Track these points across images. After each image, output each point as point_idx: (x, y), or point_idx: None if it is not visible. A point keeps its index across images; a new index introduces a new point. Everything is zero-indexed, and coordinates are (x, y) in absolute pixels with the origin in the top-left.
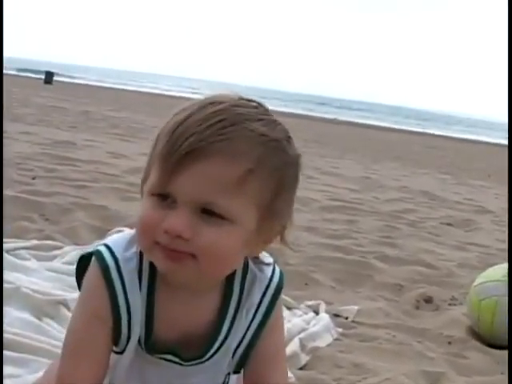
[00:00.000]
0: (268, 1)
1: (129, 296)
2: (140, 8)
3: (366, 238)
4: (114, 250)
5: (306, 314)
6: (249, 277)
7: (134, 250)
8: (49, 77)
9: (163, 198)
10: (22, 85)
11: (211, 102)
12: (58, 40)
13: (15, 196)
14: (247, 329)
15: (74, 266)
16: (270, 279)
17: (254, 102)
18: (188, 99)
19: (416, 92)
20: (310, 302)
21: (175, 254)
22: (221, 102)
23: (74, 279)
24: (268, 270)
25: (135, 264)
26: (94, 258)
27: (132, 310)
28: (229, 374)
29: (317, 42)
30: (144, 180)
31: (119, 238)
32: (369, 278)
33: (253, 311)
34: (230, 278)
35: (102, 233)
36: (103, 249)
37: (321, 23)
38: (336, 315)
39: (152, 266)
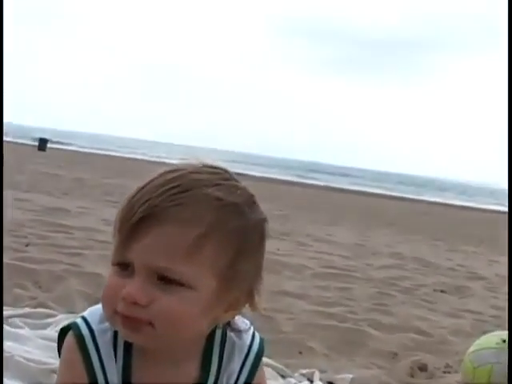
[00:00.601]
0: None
1: (106, 367)
2: (133, 73)
3: (359, 305)
4: (90, 321)
5: (300, 382)
6: (227, 345)
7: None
8: (42, 144)
9: (124, 266)
10: (16, 151)
11: (171, 170)
12: (52, 106)
13: (8, 263)
14: None
15: None
16: (250, 346)
17: (218, 168)
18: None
19: (407, 158)
20: (304, 371)
21: (132, 322)
22: (180, 169)
23: None
24: (247, 338)
25: (110, 336)
26: (70, 332)
27: (109, 380)
28: None
29: (306, 108)
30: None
31: (95, 309)
32: (363, 345)
33: (233, 380)
34: (208, 347)
35: (96, 300)
36: (79, 321)
37: (311, 88)
38: (330, 383)
39: None
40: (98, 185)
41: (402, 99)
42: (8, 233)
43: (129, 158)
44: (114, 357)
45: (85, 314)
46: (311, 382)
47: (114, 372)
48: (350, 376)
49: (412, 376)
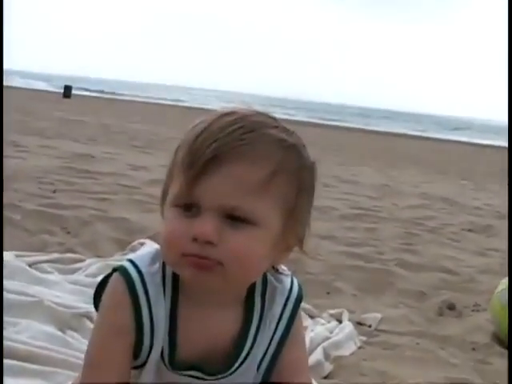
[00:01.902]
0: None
1: (153, 310)
2: (158, 20)
3: (386, 245)
4: (139, 264)
5: (328, 322)
6: (269, 289)
7: (158, 265)
8: (67, 91)
9: (187, 207)
10: (41, 99)
11: (227, 113)
12: (75, 53)
13: (36, 210)
14: (270, 341)
15: (97, 279)
16: (290, 290)
17: (265, 113)
18: (204, 110)
19: (433, 98)
20: (332, 311)
21: (205, 263)
22: (236, 113)
23: None
24: (287, 282)
25: (159, 279)
26: (117, 273)
27: (155, 323)
28: None
29: (326, 50)
30: (164, 193)
31: (143, 253)
32: (390, 285)
33: (275, 323)
34: (250, 291)
35: (123, 245)
36: (127, 264)
37: (332, 31)
38: (359, 323)
39: (175, 281)
40: (123, 130)
41: (428, 37)
42: (35, 179)
43: (153, 103)
44: (162, 300)
45: (131, 257)
46: (340, 321)
47: (162, 314)
48: (379, 315)
49: (441, 315)
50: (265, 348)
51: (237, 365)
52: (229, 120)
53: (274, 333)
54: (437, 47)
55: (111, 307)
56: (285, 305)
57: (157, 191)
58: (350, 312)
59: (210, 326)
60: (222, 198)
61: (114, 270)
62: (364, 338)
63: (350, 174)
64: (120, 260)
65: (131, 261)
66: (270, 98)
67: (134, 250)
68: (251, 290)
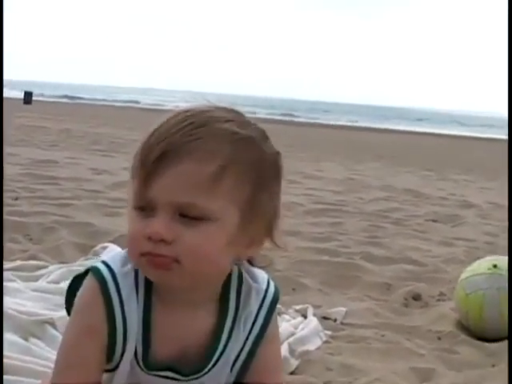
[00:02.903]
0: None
1: (125, 310)
2: (117, 19)
3: (351, 239)
4: (112, 265)
5: (294, 318)
6: (244, 288)
7: (130, 266)
8: (28, 97)
9: (144, 208)
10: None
11: (185, 110)
12: (35, 58)
13: None
14: (245, 341)
15: (60, 285)
16: (266, 290)
17: (227, 108)
18: (169, 111)
19: (394, 90)
20: (297, 307)
21: (160, 260)
22: (192, 110)
23: (59, 298)
24: (263, 281)
25: (132, 279)
26: (90, 274)
27: (128, 324)
28: None
29: (279, 43)
30: (129, 198)
31: (115, 254)
32: (356, 278)
33: (250, 323)
34: (225, 290)
35: (87, 250)
36: (100, 265)
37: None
38: (324, 318)
39: (147, 281)
40: (85, 135)
41: (382, 35)
42: None
43: (114, 107)
44: (135, 300)
45: (104, 258)
46: (305, 317)
47: (135, 315)
48: (344, 309)
49: (406, 306)
50: (239, 348)
51: (211, 364)
52: (181, 117)
53: (250, 332)
54: (392, 40)
55: (84, 307)
56: (261, 305)
57: (120, 194)
58: (316, 307)
59: (183, 326)
60: (173, 195)
61: (87, 270)
62: (329, 333)
63: (313, 169)
64: (83, 265)
65: (104, 262)
66: (230, 96)
67: (96, 254)
68: (226, 288)
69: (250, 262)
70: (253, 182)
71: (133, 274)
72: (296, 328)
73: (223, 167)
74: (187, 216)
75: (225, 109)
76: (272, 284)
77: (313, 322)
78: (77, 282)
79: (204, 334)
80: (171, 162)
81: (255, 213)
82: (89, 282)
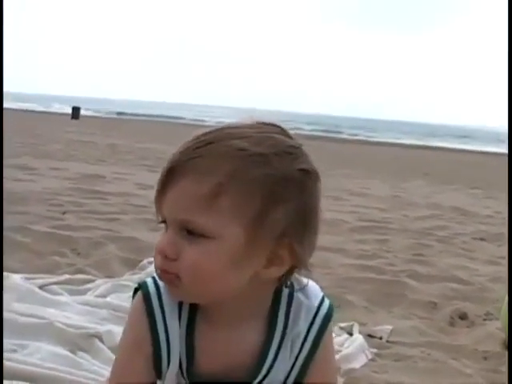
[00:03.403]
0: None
1: (168, 325)
2: (164, 42)
3: (397, 256)
4: (158, 280)
5: (339, 335)
6: (294, 305)
7: None
8: (76, 112)
9: (165, 223)
10: (50, 121)
11: (210, 129)
12: (82, 74)
13: (46, 232)
14: (295, 360)
15: (106, 299)
16: (318, 308)
17: (266, 123)
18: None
19: (438, 108)
20: (343, 324)
21: (165, 276)
22: (216, 127)
23: (106, 312)
24: (315, 298)
25: None
26: (139, 288)
27: (171, 339)
28: None
29: (327, 63)
30: None
31: None
32: (402, 296)
33: (300, 341)
34: (273, 308)
35: (134, 264)
36: (149, 279)
37: (334, 45)
38: (370, 336)
39: None
40: (132, 150)
41: (428, 46)
42: (45, 202)
43: (161, 122)
44: (178, 317)
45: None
46: (350, 334)
47: (177, 330)
48: (390, 327)
49: (452, 325)
50: (289, 367)
51: (257, 381)
52: (199, 134)
53: (300, 352)
54: (437, 56)
55: (131, 323)
56: (312, 322)
57: None
58: (362, 324)
59: (228, 342)
60: (176, 212)
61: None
62: (375, 351)
63: (359, 186)
64: (130, 279)
65: (153, 276)
66: (276, 113)
67: (142, 268)
68: (275, 305)
69: (287, 282)
70: (260, 199)
71: None
72: (341, 346)
73: (219, 184)
74: (190, 232)
75: (261, 124)
76: (326, 301)
77: (358, 339)
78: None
79: (250, 351)
80: (173, 180)
81: (265, 232)
82: (137, 296)
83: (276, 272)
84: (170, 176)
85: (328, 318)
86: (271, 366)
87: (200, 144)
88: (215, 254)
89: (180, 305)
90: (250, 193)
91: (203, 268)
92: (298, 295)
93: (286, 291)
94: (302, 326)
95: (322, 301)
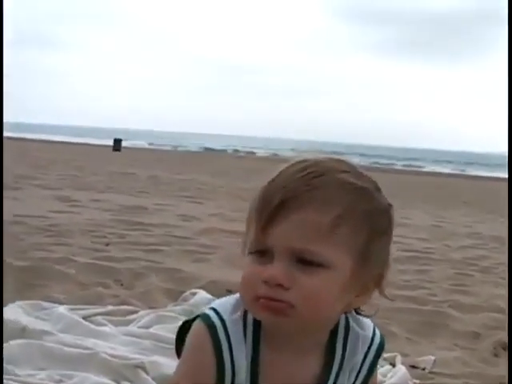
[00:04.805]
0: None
1: (234, 356)
2: (193, 69)
3: (439, 286)
4: (221, 312)
5: (382, 366)
6: (351, 335)
7: (239, 313)
8: (117, 144)
9: (261, 254)
10: (92, 153)
11: (299, 161)
12: (122, 107)
13: (89, 263)
14: None
15: (150, 330)
16: (372, 339)
17: (339, 159)
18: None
19: (472, 136)
20: (385, 355)
21: (275, 305)
22: (308, 160)
23: (149, 343)
24: (369, 329)
25: (240, 326)
26: (199, 320)
27: (236, 369)
28: None
29: (367, 91)
30: (243, 243)
31: (225, 301)
32: (444, 327)
33: (356, 371)
34: (332, 337)
35: (177, 295)
36: (210, 312)
37: (373, 71)
38: (413, 366)
39: (256, 328)
40: (172, 181)
41: (466, 78)
42: (88, 233)
43: (198, 152)
44: (243, 347)
45: (214, 305)
46: (393, 365)
47: (243, 361)
48: (433, 358)
49: (496, 355)
50: None
51: None
52: (299, 167)
53: (356, 378)
54: (469, 90)
55: (194, 352)
56: (366, 354)
57: (208, 241)
58: (404, 355)
59: (290, 371)
60: (291, 242)
61: (197, 316)
62: (418, 381)
63: (400, 216)
64: (173, 311)
65: (214, 309)
66: (302, 142)
67: (185, 300)
68: (333, 335)
69: (357, 311)
70: (367, 232)
71: (242, 320)
72: (385, 376)
73: (340, 216)
74: (305, 262)
75: (338, 160)
76: (378, 332)
77: (401, 370)
78: (184, 327)
79: (310, 379)
80: (290, 210)
81: (367, 263)
82: (198, 327)
83: (364, 301)
84: (285, 206)
85: (381, 347)
86: None
87: (312, 175)
88: (331, 283)
89: (245, 334)
90: (361, 224)
91: (321, 296)
92: (354, 326)
93: (342, 321)
94: (359, 356)
95: (374, 331)
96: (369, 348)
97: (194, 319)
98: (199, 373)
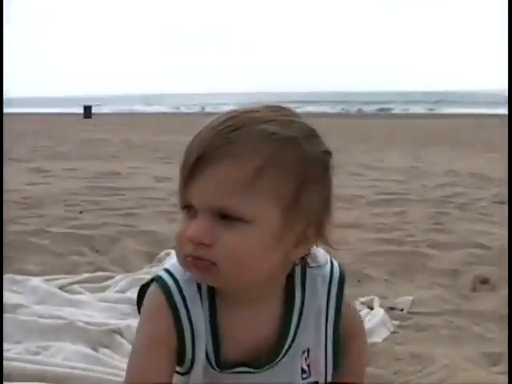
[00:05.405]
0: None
1: (191, 315)
2: (167, 32)
3: (416, 227)
4: (174, 273)
5: (360, 311)
6: (308, 277)
7: None
8: (87, 111)
9: (189, 210)
10: (63, 122)
11: (228, 112)
12: (90, 74)
13: (64, 232)
14: (326, 330)
15: (126, 294)
16: (331, 275)
17: (278, 107)
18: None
19: (439, 75)
20: (363, 299)
21: (199, 263)
22: (237, 111)
23: (126, 307)
24: (326, 266)
25: (194, 284)
26: (154, 283)
27: (195, 329)
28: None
29: (332, 39)
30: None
31: (177, 261)
32: (422, 266)
33: (324, 316)
34: (289, 283)
35: (152, 257)
36: (163, 273)
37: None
38: (391, 308)
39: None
40: (145, 144)
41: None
42: (61, 203)
43: (172, 113)
44: (199, 305)
45: (167, 266)
46: (371, 308)
47: (201, 319)
48: (411, 298)
49: (474, 290)
50: (323, 336)
51: (281, 356)
52: (221, 120)
53: (327, 319)
54: (433, 27)
55: (151, 317)
56: (328, 293)
57: None
58: (383, 298)
59: (250, 323)
60: (210, 198)
61: (152, 279)
62: (397, 323)
63: (375, 160)
64: (149, 273)
65: (167, 270)
66: (284, 94)
67: (160, 261)
68: (290, 281)
69: (307, 261)
70: (294, 182)
71: (195, 279)
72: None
73: (259, 168)
74: (226, 218)
75: (272, 108)
76: (335, 264)
77: (379, 313)
78: (144, 290)
79: (272, 327)
80: (207, 165)
81: (299, 213)
82: (153, 291)
83: (303, 251)
84: (201, 162)
85: (342, 281)
86: (293, 338)
87: (229, 129)
88: (254, 238)
89: (199, 291)
90: (285, 176)
91: (243, 252)
92: (310, 265)
93: (299, 264)
94: (322, 295)
95: (332, 265)
96: (329, 285)
97: (150, 282)
98: (160, 338)
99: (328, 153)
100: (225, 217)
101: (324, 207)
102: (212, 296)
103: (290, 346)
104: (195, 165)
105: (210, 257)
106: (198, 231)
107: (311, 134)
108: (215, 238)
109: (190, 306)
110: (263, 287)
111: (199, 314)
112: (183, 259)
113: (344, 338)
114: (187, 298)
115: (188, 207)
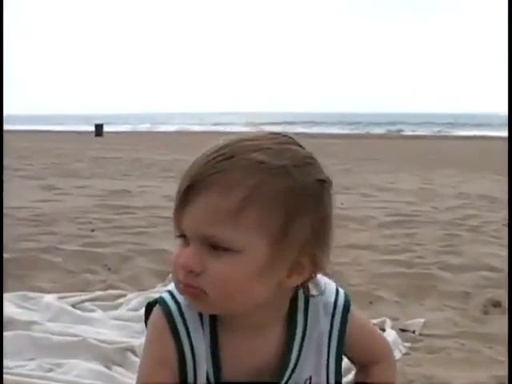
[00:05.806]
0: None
1: (193, 339)
2: (181, 50)
3: (427, 249)
4: (176, 295)
5: None
6: (311, 305)
7: None
8: (99, 129)
9: (184, 238)
10: (74, 140)
11: (225, 139)
12: (102, 92)
13: (76, 250)
14: (328, 358)
15: (139, 312)
16: (335, 303)
17: (278, 134)
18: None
19: (449, 97)
20: (375, 321)
21: (190, 290)
22: (234, 138)
23: (139, 325)
24: (331, 293)
25: None
26: (158, 305)
27: (196, 352)
28: None
29: (336, 55)
30: None
31: None
32: (433, 288)
33: (326, 338)
34: (291, 310)
35: (163, 276)
36: (166, 295)
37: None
38: (402, 330)
39: None
40: (155, 162)
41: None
42: (73, 221)
43: (182, 132)
44: (201, 328)
45: (170, 288)
46: (383, 330)
47: (202, 343)
48: (422, 320)
49: (486, 313)
50: (325, 364)
51: (283, 382)
52: (214, 149)
53: (329, 348)
54: (437, 45)
55: (154, 340)
56: (332, 317)
57: None
58: (394, 319)
59: (251, 348)
60: (200, 227)
61: (155, 301)
62: (408, 345)
63: (386, 181)
64: (160, 292)
65: (170, 292)
66: (290, 114)
67: (172, 280)
68: (293, 308)
69: (306, 289)
70: (283, 211)
71: None
72: None
73: (245, 198)
74: (215, 247)
75: (271, 136)
76: (341, 293)
77: (391, 335)
78: (150, 308)
79: (273, 354)
80: (195, 195)
81: (289, 243)
82: (156, 314)
83: (297, 280)
84: (191, 191)
85: (346, 308)
86: (294, 367)
87: (220, 158)
88: (241, 268)
89: (201, 317)
90: (273, 206)
91: (230, 281)
92: (313, 293)
93: (301, 292)
94: (324, 323)
95: (337, 293)
96: (333, 314)
97: (155, 302)
98: (162, 361)
99: (324, 181)
100: (214, 246)
101: (318, 236)
102: (213, 321)
103: (291, 373)
104: (186, 193)
105: (199, 284)
106: (188, 259)
107: (305, 163)
108: (204, 267)
109: (191, 331)
110: (262, 313)
111: (200, 339)
112: (178, 285)
113: (369, 363)
114: (188, 323)
115: (182, 236)
